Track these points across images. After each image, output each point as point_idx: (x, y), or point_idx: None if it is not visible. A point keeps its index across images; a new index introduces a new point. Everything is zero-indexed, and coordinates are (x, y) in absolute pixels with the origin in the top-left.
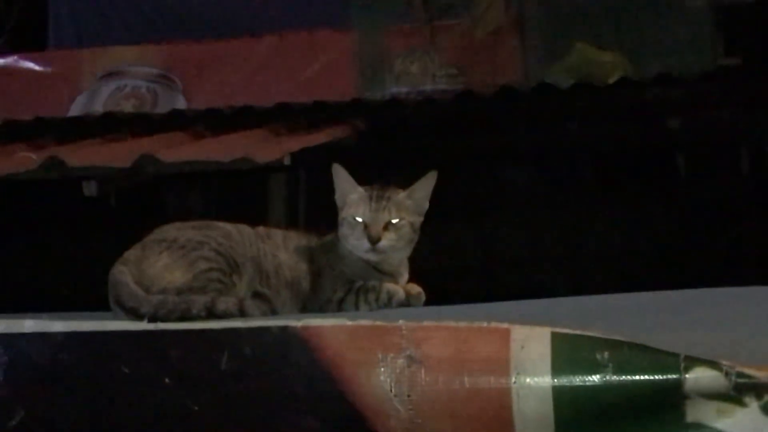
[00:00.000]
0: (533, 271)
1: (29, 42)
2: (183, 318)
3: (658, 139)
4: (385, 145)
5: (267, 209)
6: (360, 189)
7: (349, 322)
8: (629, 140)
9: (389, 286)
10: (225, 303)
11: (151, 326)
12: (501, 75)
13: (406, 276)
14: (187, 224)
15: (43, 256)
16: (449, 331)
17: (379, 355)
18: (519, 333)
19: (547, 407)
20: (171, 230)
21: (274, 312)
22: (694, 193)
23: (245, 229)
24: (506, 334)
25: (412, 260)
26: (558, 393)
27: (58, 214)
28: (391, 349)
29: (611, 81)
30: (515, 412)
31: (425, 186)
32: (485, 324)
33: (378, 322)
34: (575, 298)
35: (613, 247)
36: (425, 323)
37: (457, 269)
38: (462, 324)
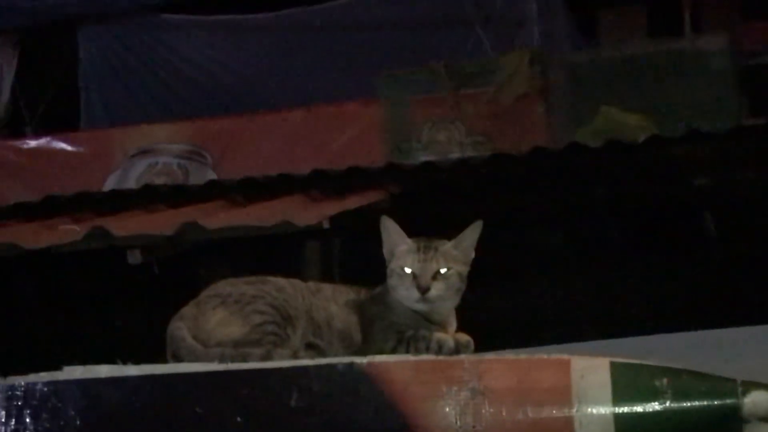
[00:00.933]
0: (566, 330)
1: (61, 123)
2: None
3: (686, 197)
4: (418, 207)
5: (302, 275)
6: (408, 240)
7: (413, 358)
8: (658, 198)
9: (439, 335)
10: (280, 356)
11: (222, 367)
12: (527, 141)
13: (454, 325)
14: (240, 280)
15: (89, 324)
16: (511, 363)
17: (444, 389)
18: (579, 363)
19: None
20: (225, 286)
21: None
22: (722, 251)
23: (297, 282)
24: (566, 364)
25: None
26: (619, 420)
27: (103, 283)
28: (455, 383)
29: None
30: None
31: (471, 235)
32: (545, 356)
33: (441, 358)
34: (627, 339)
35: (643, 306)
36: (487, 357)
37: (491, 330)
38: (523, 356)
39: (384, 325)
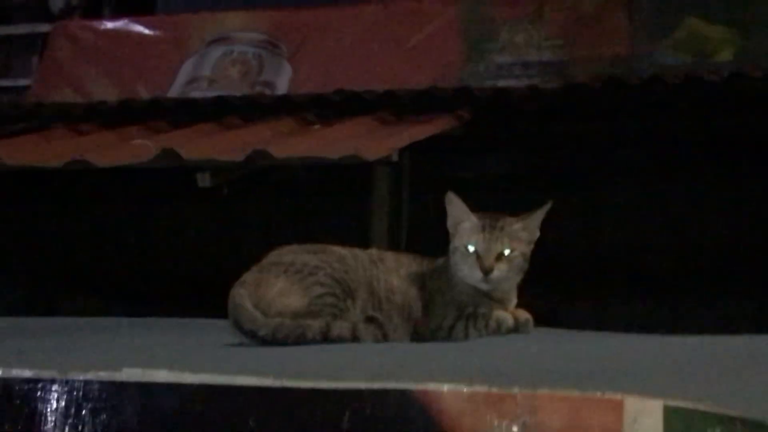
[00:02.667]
0: (640, 255)
1: (138, 6)
2: (299, 342)
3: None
4: (488, 135)
5: (371, 199)
6: (473, 217)
7: (466, 389)
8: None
9: (499, 313)
10: (339, 328)
11: (278, 383)
12: (607, 48)
13: (514, 301)
14: (303, 247)
15: (154, 244)
16: (563, 400)
17: (495, 422)
18: (632, 405)
19: None
20: (287, 254)
21: (386, 336)
22: None
23: (359, 253)
24: (619, 405)
25: None
26: None
27: (170, 202)
28: (507, 416)
29: (721, 57)
30: None
31: (539, 216)
32: (599, 394)
33: (494, 389)
34: (717, 337)
35: (721, 233)
36: (540, 392)
37: (566, 254)
38: (576, 393)
39: (444, 301)
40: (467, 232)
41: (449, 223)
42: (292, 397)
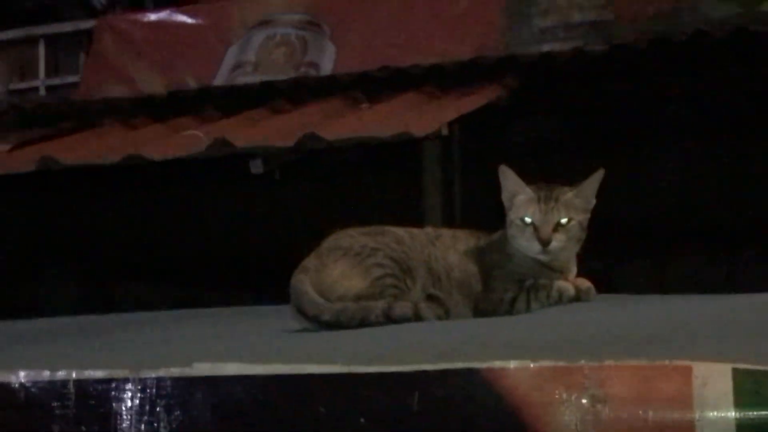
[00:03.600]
0: (694, 214)
1: None
2: (362, 324)
3: None
4: (536, 104)
5: (422, 176)
6: (528, 189)
7: (532, 364)
8: None
9: (559, 283)
10: (401, 308)
11: (345, 369)
12: (650, 4)
13: (574, 270)
14: (360, 230)
15: (210, 233)
16: (631, 370)
17: (564, 396)
18: (700, 370)
19: None
20: (345, 238)
21: (447, 313)
22: None
23: (416, 232)
24: (688, 371)
25: None
26: (742, 427)
27: (225, 190)
28: (575, 389)
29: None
30: None
31: (593, 183)
32: (667, 362)
33: (560, 363)
34: None
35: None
36: (607, 363)
37: (620, 217)
38: (644, 362)
39: (503, 274)
40: (523, 205)
41: (504, 196)
42: (360, 383)
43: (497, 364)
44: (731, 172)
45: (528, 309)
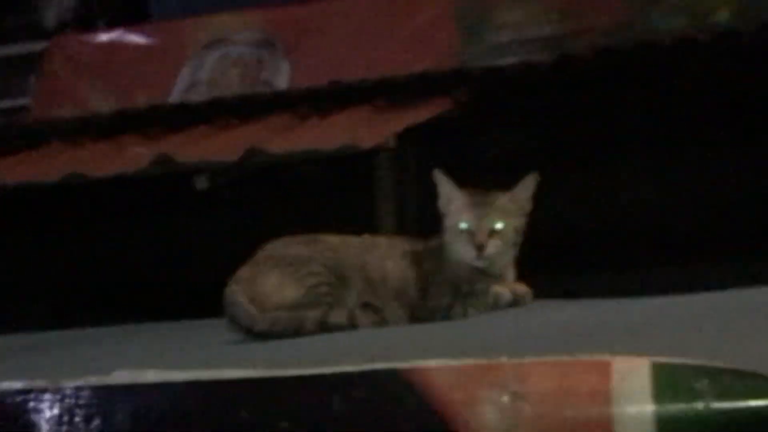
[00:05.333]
0: (650, 224)
1: (132, 15)
2: (297, 333)
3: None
4: (486, 115)
5: (375, 190)
6: (462, 195)
7: (454, 362)
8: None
9: (496, 288)
10: (336, 316)
11: (267, 373)
12: (602, 18)
13: (512, 275)
14: (294, 239)
15: (155, 251)
16: (551, 365)
17: (485, 393)
18: (620, 364)
19: None
20: (279, 247)
21: (384, 322)
22: None
23: (351, 240)
24: (607, 366)
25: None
26: (660, 423)
27: (170, 208)
28: (496, 387)
29: (719, 17)
30: None
31: (527, 187)
32: (587, 357)
33: (481, 361)
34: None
35: (730, 196)
36: (527, 359)
37: (577, 228)
38: (564, 358)
39: (441, 281)
40: (458, 211)
41: (440, 203)
42: (281, 386)
43: (418, 364)
44: (686, 182)
45: (465, 315)
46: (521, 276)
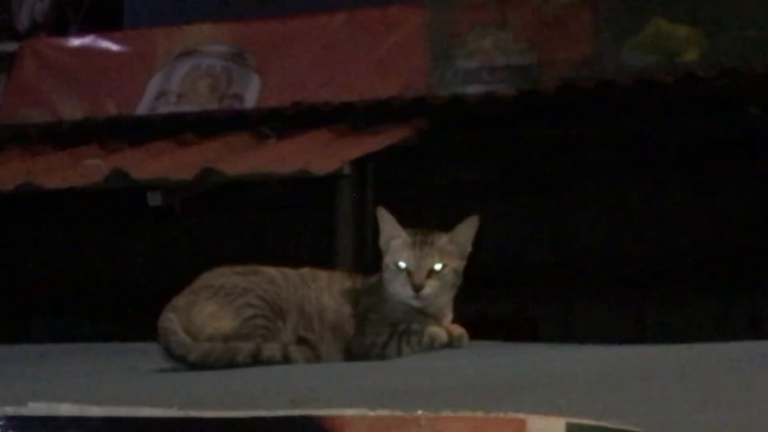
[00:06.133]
0: (608, 258)
1: (105, 21)
2: (230, 365)
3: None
4: (445, 143)
5: (335, 212)
6: (404, 234)
7: (371, 413)
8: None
9: (432, 329)
10: (269, 350)
11: (182, 414)
12: (573, 50)
13: (450, 316)
14: (233, 269)
15: (109, 265)
16: (466, 421)
17: None
18: (535, 424)
19: None
20: (217, 277)
21: (317, 357)
22: None
23: (289, 273)
24: (522, 424)
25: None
26: None
27: (123, 223)
28: None
29: (687, 56)
30: None
31: (468, 230)
32: (502, 414)
33: (397, 413)
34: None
35: (688, 234)
36: (443, 414)
37: (534, 258)
38: (479, 414)
39: (378, 318)
40: (398, 249)
41: (381, 239)
42: (199, 428)
43: (335, 411)
44: (645, 218)
45: (399, 354)
46: (460, 315)
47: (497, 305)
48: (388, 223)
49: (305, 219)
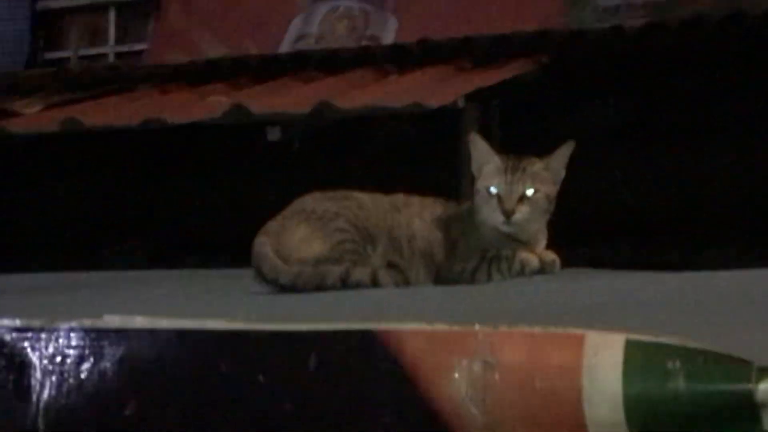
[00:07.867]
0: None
1: None
2: (319, 288)
3: None
4: (567, 79)
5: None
6: (497, 158)
7: (428, 327)
8: None
9: (523, 254)
10: (359, 273)
11: (247, 326)
12: None
13: (543, 243)
14: (324, 195)
15: (225, 201)
16: (524, 336)
17: (456, 360)
18: (593, 339)
19: (619, 415)
20: (309, 201)
21: (407, 282)
22: None
23: (380, 198)
24: (580, 340)
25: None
26: (629, 401)
27: (242, 158)
28: (468, 354)
29: None
30: (588, 419)
31: (563, 155)
32: (560, 330)
33: (455, 327)
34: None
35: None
36: (501, 329)
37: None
38: (537, 330)
39: (468, 244)
40: (490, 174)
41: (473, 166)
42: (261, 340)
43: (393, 326)
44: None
45: (489, 279)
46: (553, 244)
47: (617, 252)
48: (480, 149)
49: (429, 157)
